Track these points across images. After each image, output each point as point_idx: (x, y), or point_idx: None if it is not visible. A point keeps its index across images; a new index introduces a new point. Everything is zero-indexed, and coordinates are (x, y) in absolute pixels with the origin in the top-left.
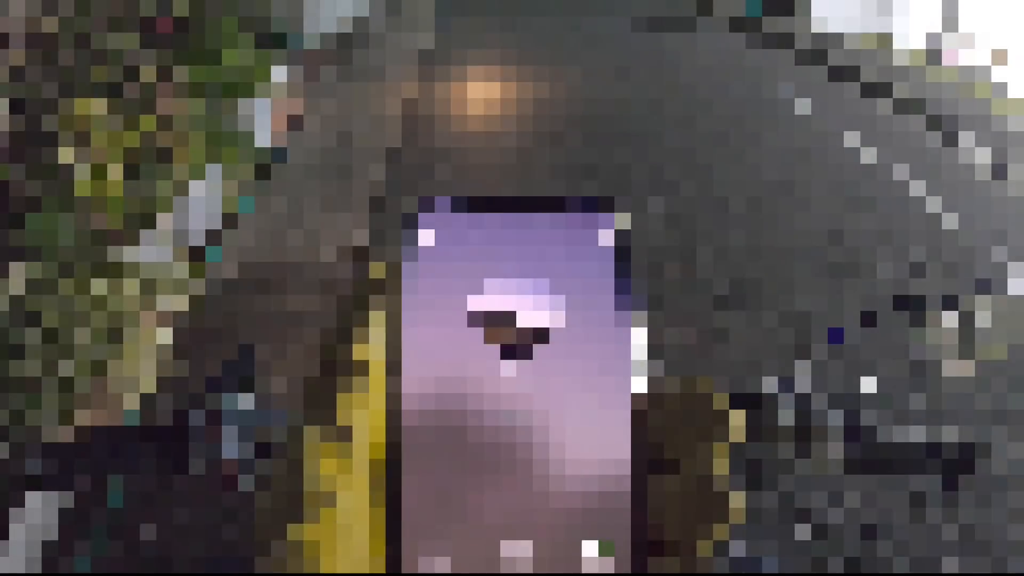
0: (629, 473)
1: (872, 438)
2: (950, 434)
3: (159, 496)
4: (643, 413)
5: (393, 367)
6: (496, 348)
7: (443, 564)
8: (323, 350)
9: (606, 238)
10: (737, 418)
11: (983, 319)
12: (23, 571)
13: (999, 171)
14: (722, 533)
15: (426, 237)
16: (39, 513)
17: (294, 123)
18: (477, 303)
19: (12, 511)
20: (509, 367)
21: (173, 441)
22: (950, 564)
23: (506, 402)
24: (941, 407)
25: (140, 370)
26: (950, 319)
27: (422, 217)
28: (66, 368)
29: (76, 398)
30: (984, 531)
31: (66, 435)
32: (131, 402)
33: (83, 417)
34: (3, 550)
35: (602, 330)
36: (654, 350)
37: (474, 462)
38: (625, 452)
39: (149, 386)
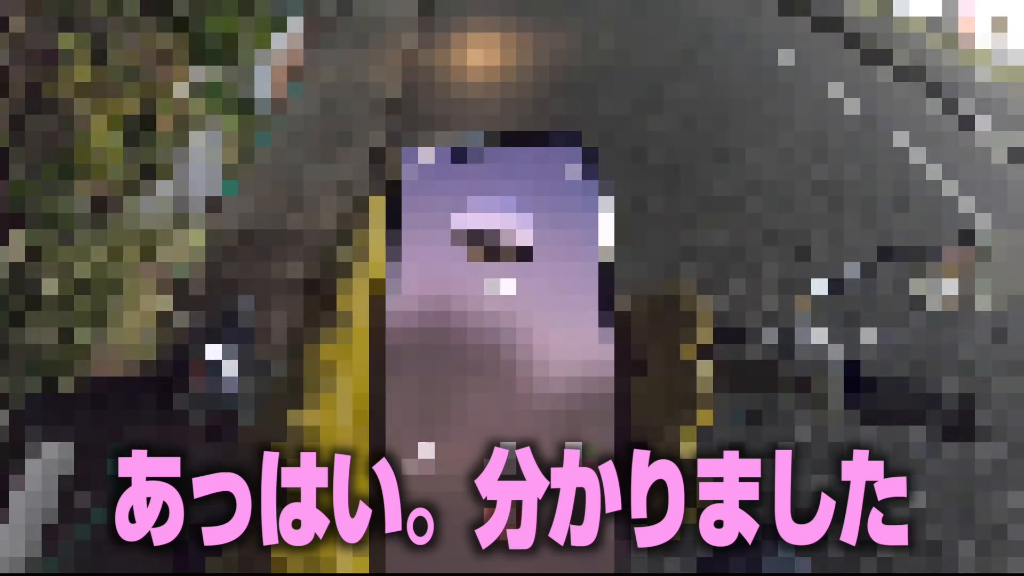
0: (612, 375)
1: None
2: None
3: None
4: (626, 319)
5: (376, 285)
6: (479, 265)
7: (427, 450)
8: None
9: (573, 172)
10: (705, 318)
11: (983, 270)
12: (23, 539)
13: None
14: (688, 436)
15: (410, 174)
16: (39, 481)
17: (293, 85)
18: (460, 222)
19: (12, 478)
20: (493, 284)
21: (167, 389)
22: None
23: (489, 312)
24: (940, 352)
25: (140, 324)
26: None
27: (405, 162)
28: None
29: (76, 350)
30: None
31: (66, 386)
32: (131, 352)
33: (83, 368)
34: (3, 516)
35: (585, 249)
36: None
37: (458, 366)
38: (608, 355)
39: (148, 345)
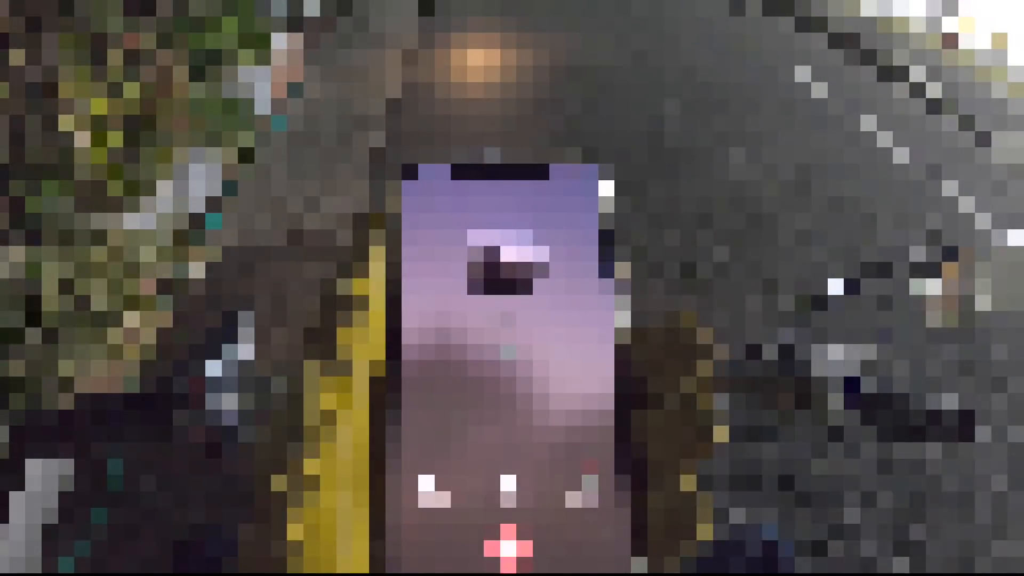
0: (613, 406)
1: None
2: (949, 399)
3: (156, 461)
4: (627, 348)
5: (393, 304)
6: (481, 287)
7: (427, 484)
8: (323, 285)
9: (577, 193)
10: (720, 352)
11: (983, 270)
12: (23, 553)
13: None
14: (706, 459)
15: (410, 193)
16: (38, 497)
17: (293, 90)
18: (461, 243)
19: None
20: (495, 307)
21: (163, 406)
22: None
23: (489, 336)
24: (939, 365)
25: (140, 336)
26: (950, 271)
27: (405, 184)
28: (66, 335)
29: (77, 364)
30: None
31: (66, 402)
32: (131, 368)
33: (83, 384)
34: (3, 533)
35: (586, 265)
36: (638, 285)
37: (460, 395)
38: (609, 386)
39: (149, 353)
